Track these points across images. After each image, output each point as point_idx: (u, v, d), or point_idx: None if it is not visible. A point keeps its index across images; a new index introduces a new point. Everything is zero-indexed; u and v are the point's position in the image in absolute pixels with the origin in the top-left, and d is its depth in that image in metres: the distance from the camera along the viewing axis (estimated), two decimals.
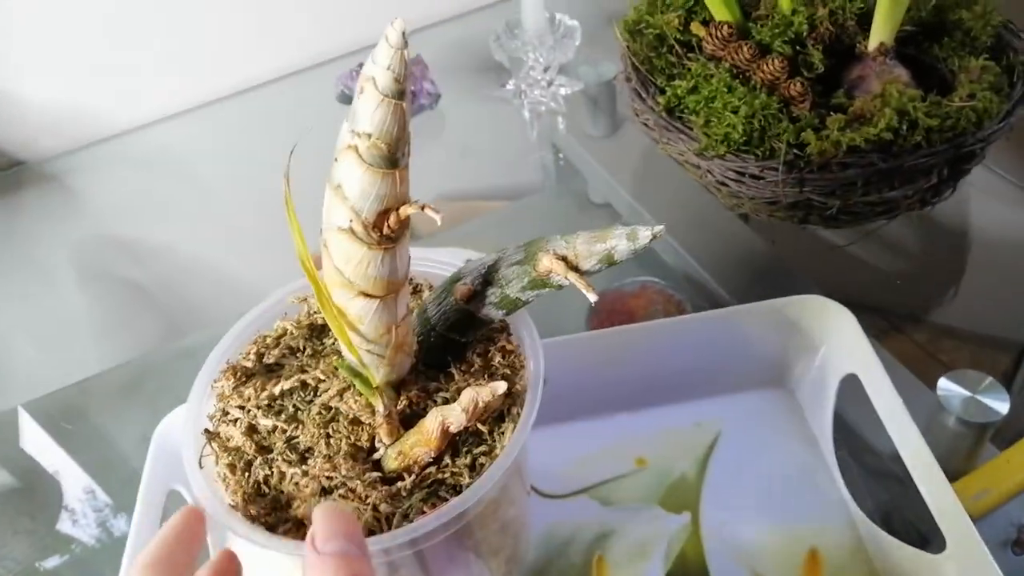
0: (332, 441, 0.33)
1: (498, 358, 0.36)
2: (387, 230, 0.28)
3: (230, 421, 0.35)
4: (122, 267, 0.73)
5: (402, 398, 0.34)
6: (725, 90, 0.55)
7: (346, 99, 0.82)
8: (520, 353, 0.36)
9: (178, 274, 0.73)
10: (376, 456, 0.33)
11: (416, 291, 0.40)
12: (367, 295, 0.30)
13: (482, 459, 0.32)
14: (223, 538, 0.44)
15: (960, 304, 0.60)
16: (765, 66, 0.55)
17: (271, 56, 0.90)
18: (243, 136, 0.87)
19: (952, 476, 0.40)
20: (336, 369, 0.35)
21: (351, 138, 0.27)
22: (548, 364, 0.35)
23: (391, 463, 0.32)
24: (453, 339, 0.35)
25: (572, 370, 0.46)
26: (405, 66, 0.26)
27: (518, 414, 0.33)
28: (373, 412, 0.33)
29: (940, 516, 0.39)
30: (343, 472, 0.32)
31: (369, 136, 0.27)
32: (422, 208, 0.28)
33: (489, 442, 0.33)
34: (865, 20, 0.57)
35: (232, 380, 0.36)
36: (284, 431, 0.34)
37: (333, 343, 0.37)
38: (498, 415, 0.34)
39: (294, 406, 0.35)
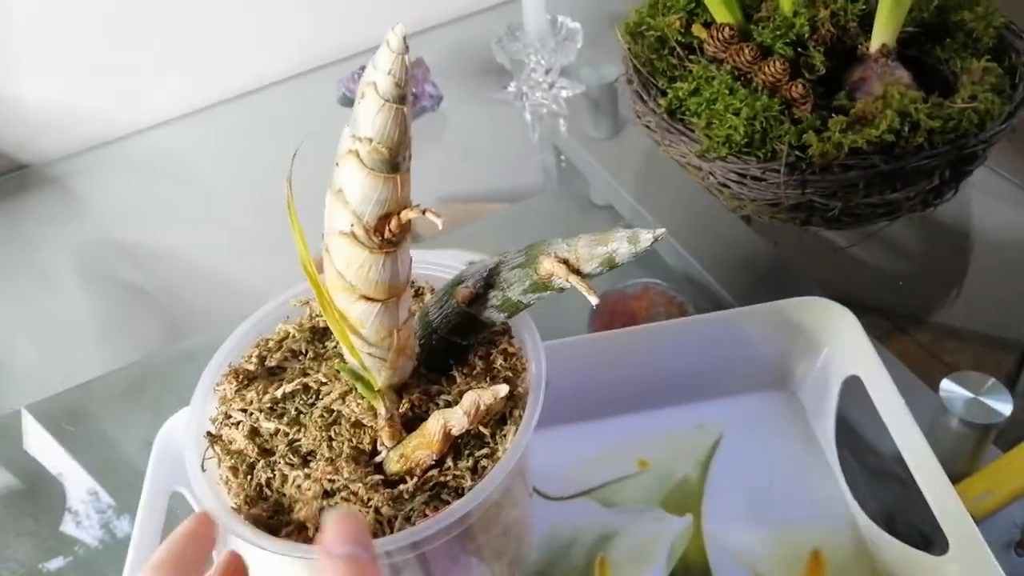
0: (334, 444, 0.33)
1: (500, 361, 0.36)
2: (388, 234, 0.28)
3: (232, 424, 0.35)
4: (124, 270, 0.74)
5: (404, 401, 0.34)
6: (726, 92, 0.55)
7: (348, 102, 0.82)
8: (522, 356, 0.36)
9: (180, 277, 0.73)
10: (378, 459, 0.33)
11: (418, 294, 0.40)
12: (369, 299, 0.30)
13: (484, 462, 0.32)
14: (225, 541, 0.44)
15: (962, 305, 0.60)
16: (767, 68, 0.55)
17: (273, 59, 0.90)
18: (245, 139, 0.87)
19: (955, 478, 0.40)
20: (338, 372, 0.35)
21: (352, 143, 0.27)
22: (550, 366, 0.35)
23: (393, 466, 0.32)
24: (455, 342, 0.35)
25: (574, 372, 0.46)
26: (406, 71, 0.26)
27: (520, 416, 0.33)
28: (375, 415, 0.33)
29: (943, 518, 0.39)
30: (345, 475, 0.32)
31: (370, 141, 0.27)
32: (423, 212, 0.28)
33: (491, 445, 0.33)
34: (867, 21, 0.57)
35: (234, 383, 0.36)
36: (286, 434, 0.34)
37: (335, 346, 0.37)
38: (500, 418, 0.34)
39: (296, 409, 0.35)
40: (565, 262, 0.31)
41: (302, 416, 0.34)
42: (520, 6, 0.78)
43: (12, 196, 0.83)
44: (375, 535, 0.30)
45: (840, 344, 0.48)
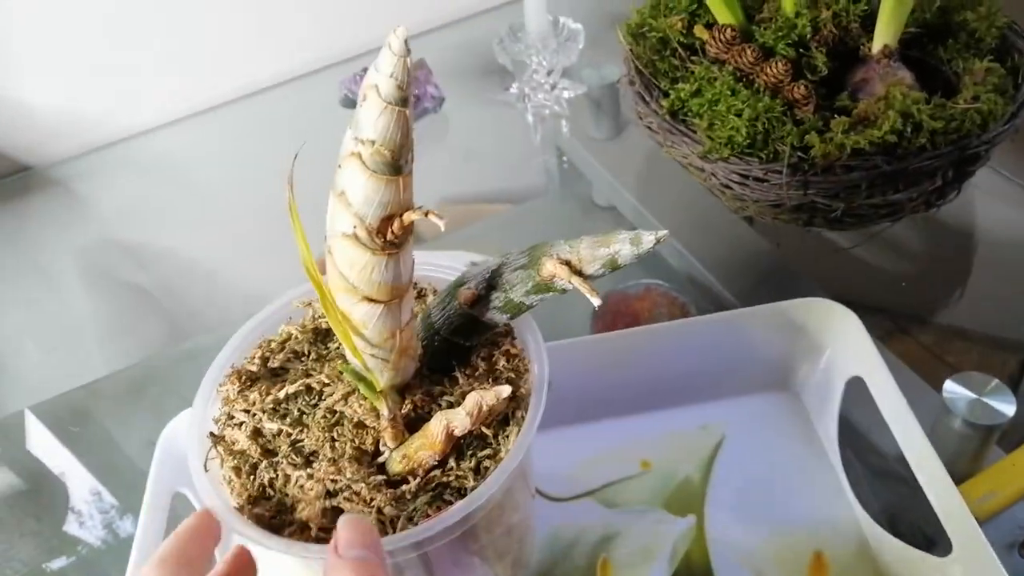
0: (337, 444, 0.33)
1: (502, 362, 0.36)
2: (391, 236, 0.28)
3: (235, 425, 0.35)
4: (127, 271, 0.74)
5: (406, 402, 0.34)
6: (729, 93, 0.55)
7: (350, 103, 0.82)
8: (524, 357, 0.36)
9: (182, 278, 0.73)
10: (381, 459, 0.33)
11: (420, 295, 0.40)
12: (371, 300, 0.30)
13: (487, 462, 0.32)
14: (228, 539, 0.44)
15: (965, 306, 0.60)
16: (769, 69, 0.55)
17: (275, 60, 0.90)
18: (247, 141, 0.87)
19: (958, 479, 0.40)
20: (341, 373, 0.35)
21: (354, 145, 0.27)
22: (552, 367, 0.35)
23: (396, 466, 0.32)
24: (457, 343, 0.35)
25: (576, 373, 0.46)
26: (408, 73, 0.26)
27: (522, 417, 0.33)
28: (378, 416, 0.33)
29: (946, 519, 0.39)
30: (348, 475, 0.32)
31: (372, 143, 0.27)
32: (426, 214, 0.28)
33: (494, 445, 0.33)
34: (869, 22, 0.57)
35: (237, 384, 0.36)
36: (289, 434, 0.34)
37: (338, 347, 0.37)
38: (503, 418, 0.34)
39: (299, 410, 0.35)
40: (567, 263, 0.31)
41: (305, 417, 0.34)
42: (522, 7, 0.78)
43: (16, 198, 0.83)
44: None
45: (843, 345, 0.47)
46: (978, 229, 0.64)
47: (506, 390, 0.31)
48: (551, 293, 0.32)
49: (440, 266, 0.40)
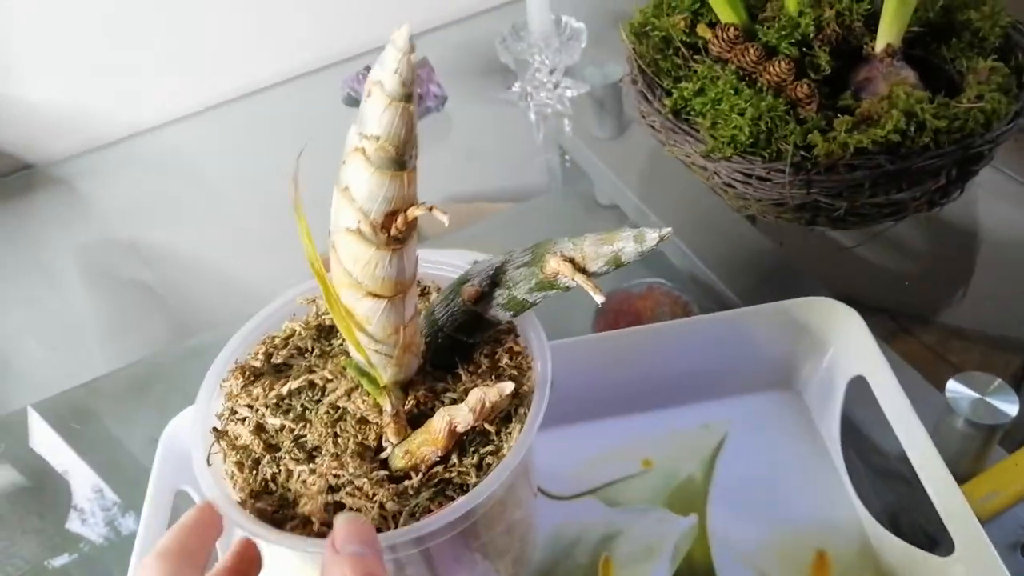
0: (340, 440, 0.33)
1: (505, 359, 0.36)
2: (395, 231, 0.28)
3: (238, 420, 0.35)
4: (130, 269, 0.74)
5: (409, 398, 0.34)
6: (731, 92, 0.55)
7: (352, 102, 0.82)
8: (527, 354, 0.36)
9: (185, 276, 0.73)
10: (383, 455, 0.33)
11: (423, 293, 0.40)
12: (375, 295, 0.30)
13: (489, 459, 0.32)
14: (230, 532, 0.45)
15: (968, 305, 0.60)
16: (772, 68, 0.55)
17: (278, 59, 0.90)
18: (250, 139, 0.87)
19: (960, 478, 0.40)
20: (344, 369, 0.35)
21: (359, 140, 0.27)
22: (554, 366, 0.35)
23: (398, 462, 0.32)
24: (460, 340, 0.35)
25: (578, 372, 0.46)
26: (412, 70, 0.26)
27: (525, 414, 0.33)
28: (380, 412, 0.33)
29: (948, 518, 0.39)
30: (350, 470, 0.32)
31: (377, 139, 0.27)
32: (430, 209, 0.28)
33: (496, 442, 0.33)
34: (872, 21, 0.57)
35: (241, 379, 0.36)
36: (292, 430, 0.34)
37: (341, 344, 0.37)
38: (505, 415, 0.34)
39: (302, 405, 0.35)
40: (571, 261, 0.31)
41: (308, 412, 0.34)
42: (524, 6, 0.78)
43: (18, 196, 0.83)
44: (379, 530, 0.31)
45: (845, 344, 0.47)
46: (981, 229, 0.64)
47: (509, 387, 0.31)
48: (554, 290, 0.32)
49: (443, 264, 0.40)
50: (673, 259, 0.64)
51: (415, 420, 0.33)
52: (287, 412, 0.34)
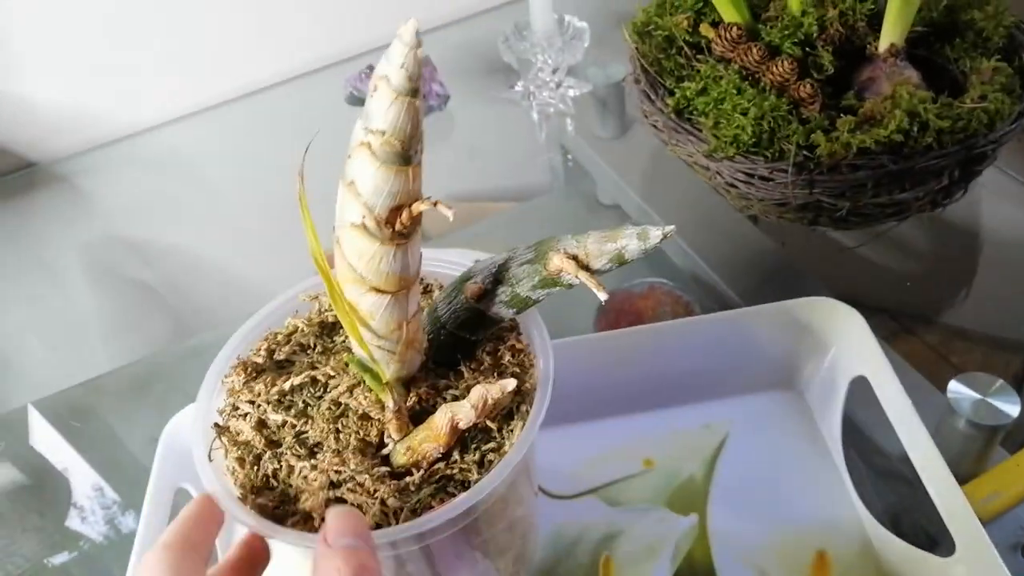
0: (341, 436, 0.33)
1: (508, 356, 0.36)
2: (399, 226, 0.28)
3: (240, 416, 0.35)
4: (131, 268, 0.74)
5: (411, 394, 0.34)
6: (734, 92, 0.55)
7: (355, 101, 0.82)
8: (530, 352, 0.36)
9: (187, 275, 0.73)
10: (385, 451, 0.33)
11: (426, 291, 0.40)
12: (379, 291, 0.30)
13: (491, 456, 0.32)
14: (232, 527, 0.44)
15: (971, 306, 0.60)
16: (774, 68, 0.55)
17: (280, 58, 0.90)
18: (252, 138, 0.87)
19: (962, 479, 0.39)
20: (346, 365, 0.35)
21: (364, 135, 0.27)
22: (556, 365, 0.35)
23: (400, 458, 0.32)
24: (463, 337, 0.35)
25: (580, 371, 0.46)
26: (418, 65, 0.26)
27: (527, 412, 0.33)
28: (382, 408, 0.33)
29: (949, 519, 0.38)
30: (352, 466, 0.32)
31: (382, 133, 0.27)
32: (434, 204, 0.28)
33: (498, 439, 0.33)
34: (875, 21, 0.57)
35: (242, 375, 0.36)
36: (293, 426, 0.34)
37: (343, 340, 0.37)
38: (507, 413, 0.34)
39: (304, 401, 0.35)
40: (574, 258, 0.31)
41: (309, 408, 0.34)
42: (527, 5, 0.78)
43: (20, 194, 0.83)
44: (380, 526, 0.31)
45: (847, 344, 0.47)
46: (984, 229, 0.64)
47: (511, 384, 0.31)
48: (557, 288, 0.32)
49: (446, 262, 0.40)
50: (675, 259, 0.64)
51: (417, 417, 0.33)
52: (289, 408, 0.34)
